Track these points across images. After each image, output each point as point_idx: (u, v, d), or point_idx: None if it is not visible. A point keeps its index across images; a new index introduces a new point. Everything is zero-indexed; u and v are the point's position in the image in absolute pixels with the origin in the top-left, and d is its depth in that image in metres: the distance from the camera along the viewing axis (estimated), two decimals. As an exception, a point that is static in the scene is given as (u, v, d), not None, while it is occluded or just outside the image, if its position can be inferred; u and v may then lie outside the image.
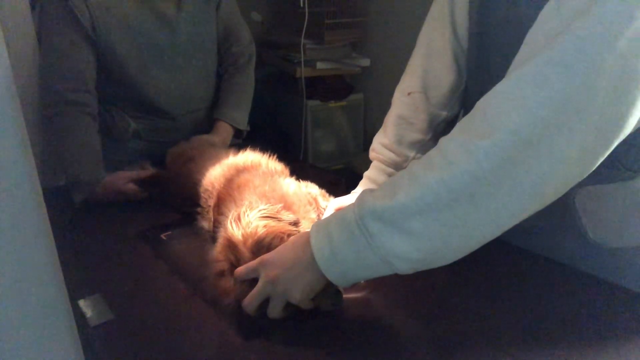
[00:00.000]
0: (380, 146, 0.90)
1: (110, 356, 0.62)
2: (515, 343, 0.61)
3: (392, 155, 0.89)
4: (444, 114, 0.88)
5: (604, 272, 0.74)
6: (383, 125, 0.92)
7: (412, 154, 0.88)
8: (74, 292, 0.71)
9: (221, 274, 0.69)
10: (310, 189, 0.91)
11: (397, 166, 0.89)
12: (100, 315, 0.68)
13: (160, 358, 0.62)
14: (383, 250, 0.55)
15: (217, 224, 0.81)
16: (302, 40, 1.98)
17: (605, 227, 0.73)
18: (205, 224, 0.89)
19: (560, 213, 0.73)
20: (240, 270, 0.66)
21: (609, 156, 0.52)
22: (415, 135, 0.88)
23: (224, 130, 1.34)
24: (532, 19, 0.55)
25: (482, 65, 0.79)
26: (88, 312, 0.69)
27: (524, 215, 0.53)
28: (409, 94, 0.88)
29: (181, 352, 0.62)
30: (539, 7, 0.55)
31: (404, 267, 0.56)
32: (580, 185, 0.69)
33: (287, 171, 0.94)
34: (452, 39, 0.84)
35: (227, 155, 0.97)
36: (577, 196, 0.72)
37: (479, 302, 0.70)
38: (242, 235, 0.68)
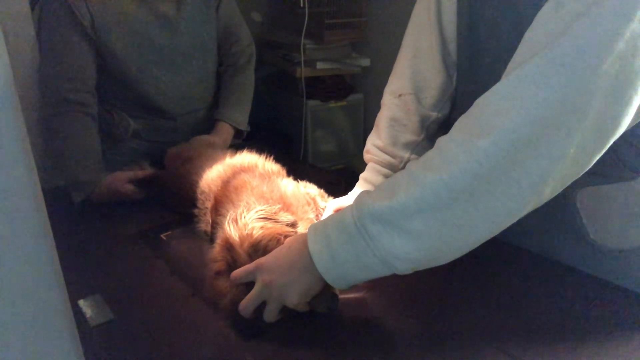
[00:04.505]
0: (375, 148, 0.90)
1: (110, 356, 0.62)
2: (515, 343, 0.61)
3: (387, 157, 0.89)
4: (435, 114, 0.88)
5: (604, 273, 0.74)
6: (375, 127, 0.92)
7: (407, 155, 0.88)
8: (74, 292, 0.71)
9: (218, 274, 0.69)
10: (309, 189, 0.90)
11: (393, 167, 0.89)
12: (100, 315, 0.68)
13: (159, 358, 0.62)
14: (383, 251, 0.55)
15: (215, 225, 0.81)
16: (302, 40, 1.98)
17: (606, 228, 0.73)
18: (203, 227, 0.89)
19: (560, 213, 0.74)
20: (236, 273, 0.66)
21: (612, 156, 0.52)
22: (409, 137, 0.88)
23: (225, 131, 1.34)
24: (526, 20, 0.55)
25: (473, 66, 0.79)
26: (88, 312, 0.69)
27: (522, 213, 0.53)
28: (399, 95, 0.88)
29: (181, 351, 0.62)
30: (534, 8, 0.55)
31: (404, 268, 0.56)
32: (582, 185, 0.69)
33: (284, 172, 0.93)
34: (439, 40, 0.84)
35: (224, 157, 0.97)
36: (578, 197, 0.72)
37: (477, 302, 0.70)
38: (239, 237, 0.68)
